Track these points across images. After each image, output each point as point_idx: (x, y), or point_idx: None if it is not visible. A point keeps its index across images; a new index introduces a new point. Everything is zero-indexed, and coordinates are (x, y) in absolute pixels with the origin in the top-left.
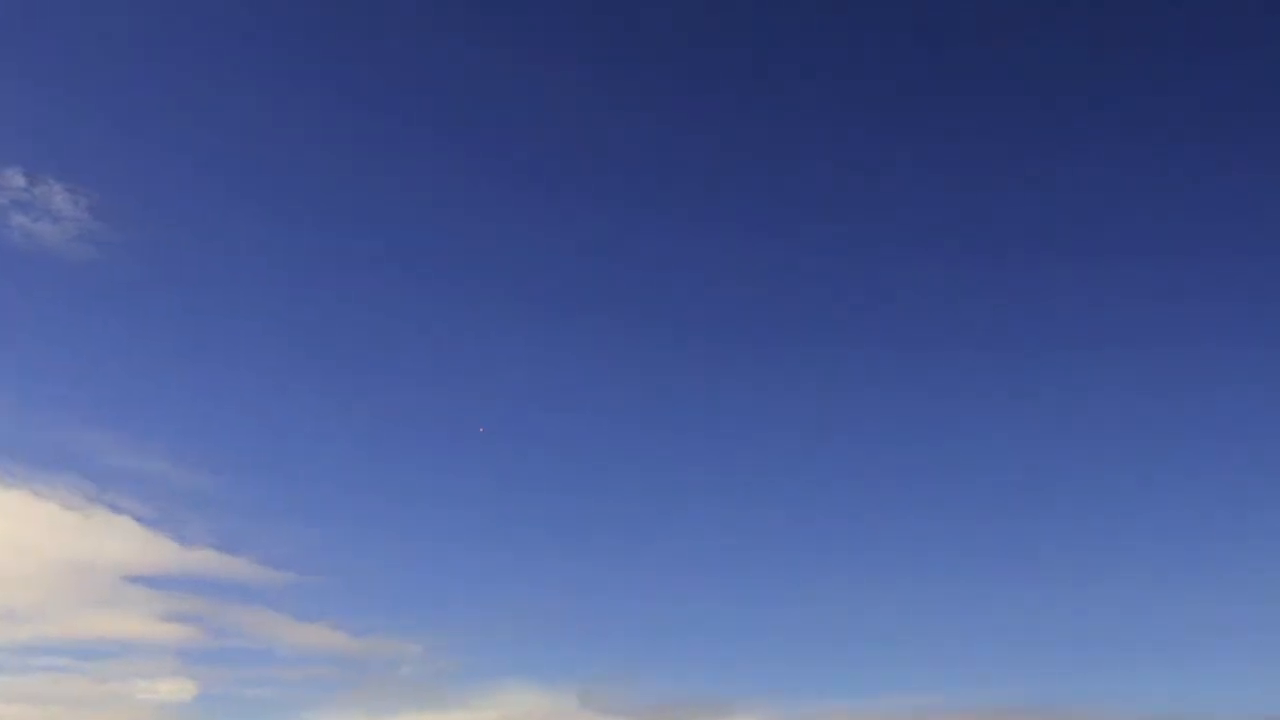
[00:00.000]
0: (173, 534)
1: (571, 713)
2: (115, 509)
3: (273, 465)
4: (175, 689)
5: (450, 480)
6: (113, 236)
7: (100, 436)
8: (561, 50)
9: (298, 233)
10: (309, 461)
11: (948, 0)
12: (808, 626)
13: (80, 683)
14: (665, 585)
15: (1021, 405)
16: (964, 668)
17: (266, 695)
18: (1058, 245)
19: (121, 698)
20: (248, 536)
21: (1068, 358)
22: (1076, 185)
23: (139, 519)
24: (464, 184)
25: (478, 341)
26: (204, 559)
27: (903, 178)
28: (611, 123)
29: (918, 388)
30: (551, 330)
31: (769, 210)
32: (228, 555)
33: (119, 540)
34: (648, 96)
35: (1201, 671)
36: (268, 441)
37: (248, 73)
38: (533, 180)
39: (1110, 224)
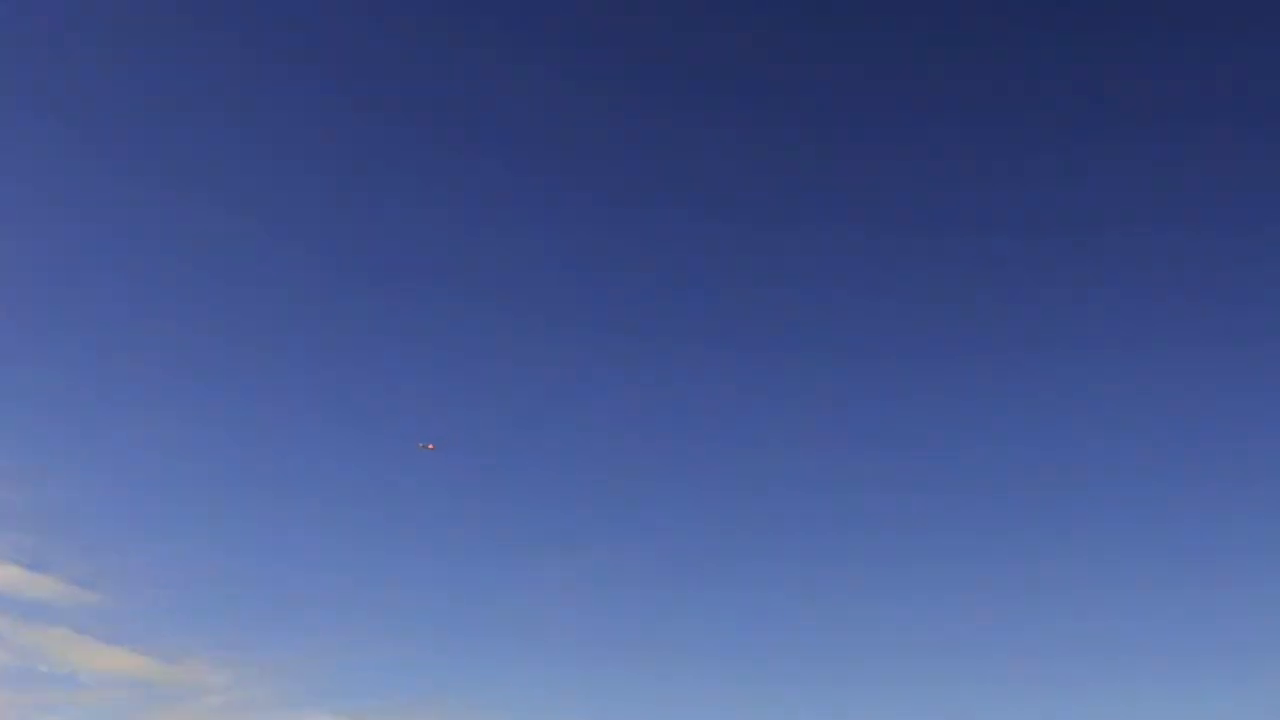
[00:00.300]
0: None
1: None
2: None
3: (85, 480)
4: None
5: (270, 503)
6: None
7: None
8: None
9: (119, 232)
10: (123, 476)
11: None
12: (635, 659)
13: None
14: (484, 616)
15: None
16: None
17: None
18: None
19: None
20: (56, 553)
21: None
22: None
23: None
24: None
25: (304, 351)
26: (7, 575)
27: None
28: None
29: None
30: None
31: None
32: (34, 572)
33: None
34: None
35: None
36: (80, 455)
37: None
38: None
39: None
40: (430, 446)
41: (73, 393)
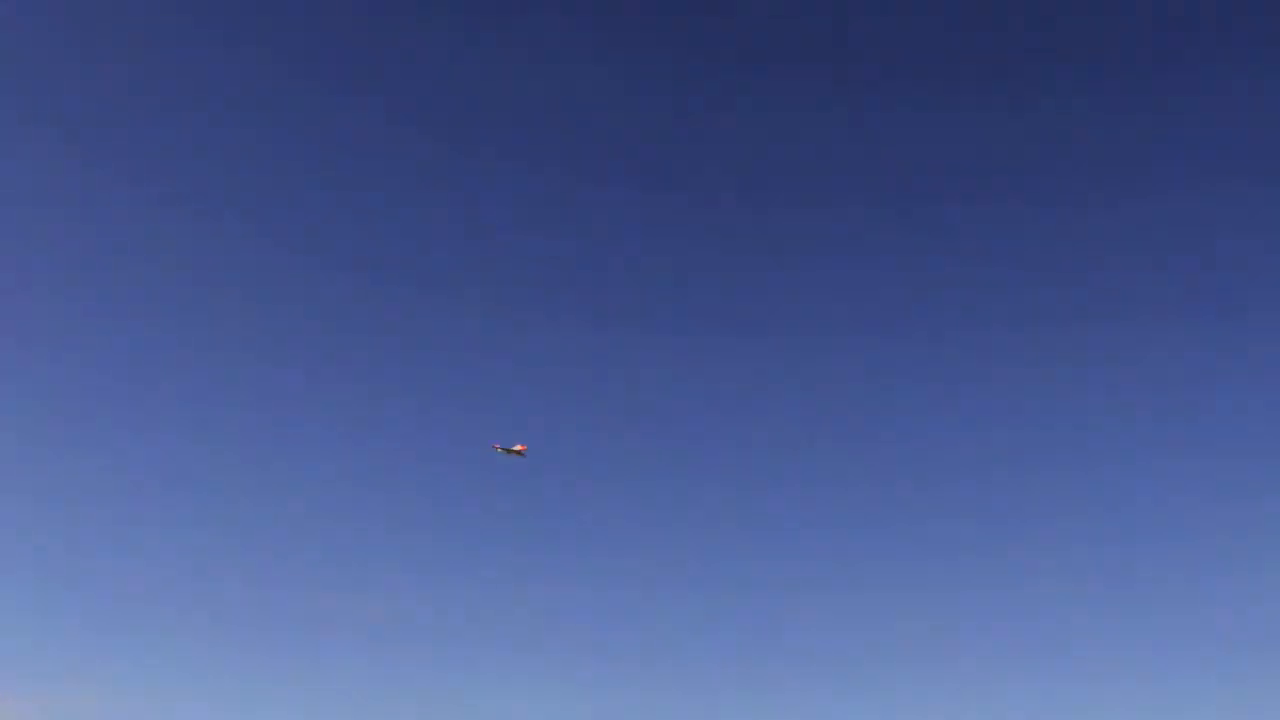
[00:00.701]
0: None
1: None
2: None
3: None
4: None
5: (83, 519)
6: None
7: None
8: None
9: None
10: None
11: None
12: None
13: None
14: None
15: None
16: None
17: None
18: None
19: None
20: None
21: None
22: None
23: None
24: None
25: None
26: None
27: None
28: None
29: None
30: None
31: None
32: None
33: None
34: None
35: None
36: None
37: None
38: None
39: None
40: (520, 449)
41: None
